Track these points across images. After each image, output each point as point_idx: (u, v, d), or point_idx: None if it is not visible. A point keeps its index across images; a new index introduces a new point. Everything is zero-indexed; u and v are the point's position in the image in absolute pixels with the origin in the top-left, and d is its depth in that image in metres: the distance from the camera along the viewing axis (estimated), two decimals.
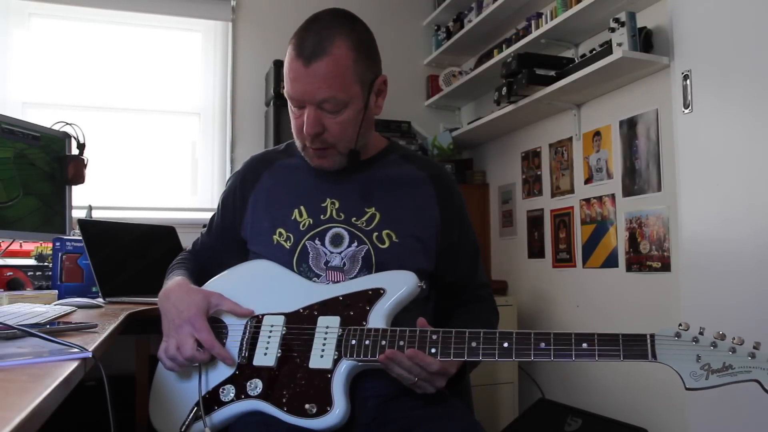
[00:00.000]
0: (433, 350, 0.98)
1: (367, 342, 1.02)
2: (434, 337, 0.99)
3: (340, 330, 1.05)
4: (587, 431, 2.22)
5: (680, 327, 0.89)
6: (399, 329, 1.02)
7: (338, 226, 1.17)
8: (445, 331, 0.99)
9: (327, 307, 1.09)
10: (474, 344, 0.97)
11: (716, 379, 0.85)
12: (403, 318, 1.07)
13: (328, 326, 1.07)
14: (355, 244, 1.16)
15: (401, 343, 1.00)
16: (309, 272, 1.16)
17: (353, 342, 1.03)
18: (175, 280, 1.21)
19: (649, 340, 0.89)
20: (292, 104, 1.14)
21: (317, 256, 1.16)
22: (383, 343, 1.01)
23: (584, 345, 0.92)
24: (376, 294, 1.07)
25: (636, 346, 0.90)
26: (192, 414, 1.08)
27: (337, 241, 1.16)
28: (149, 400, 1.20)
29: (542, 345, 0.93)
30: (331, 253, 1.15)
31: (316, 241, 1.17)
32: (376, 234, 1.16)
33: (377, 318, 1.05)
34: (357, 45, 1.10)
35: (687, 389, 0.87)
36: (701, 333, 0.88)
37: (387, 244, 1.16)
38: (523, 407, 2.65)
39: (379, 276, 1.12)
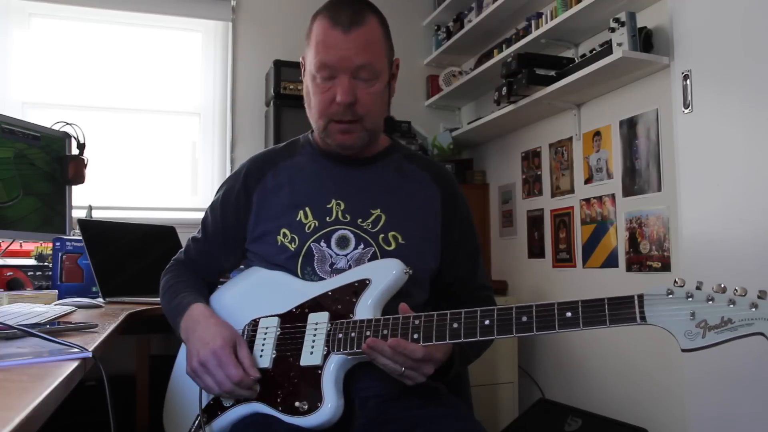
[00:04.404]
0: (415, 336, 0.97)
1: (353, 334, 1.02)
2: (416, 322, 0.98)
3: (329, 325, 1.05)
4: (587, 431, 2.22)
5: (675, 284, 0.81)
6: (383, 318, 1.01)
7: (344, 228, 1.16)
8: (427, 315, 0.98)
9: (317, 303, 1.09)
10: (455, 325, 0.95)
11: (714, 336, 0.77)
12: None
13: (318, 322, 1.07)
14: (362, 246, 1.15)
15: (385, 331, 0.99)
16: (313, 275, 1.15)
17: (340, 336, 1.03)
18: (200, 310, 1.14)
19: (636, 302, 0.83)
20: (323, 74, 1.12)
21: (322, 258, 1.15)
22: (368, 333, 1.00)
23: (568, 314, 0.87)
24: (362, 285, 1.07)
25: (623, 309, 0.84)
26: (196, 422, 1.09)
27: (343, 243, 1.16)
28: (164, 406, 1.23)
29: (524, 319, 0.90)
30: (337, 255, 1.15)
31: (322, 243, 1.16)
32: (382, 236, 1.16)
33: (364, 309, 1.04)
34: (382, 23, 1.16)
35: (683, 351, 0.79)
36: (698, 288, 0.80)
37: (393, 246, 1.16)
38: (523, 407, 2.65)
39: (365, 267, 1.11)
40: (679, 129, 2.01)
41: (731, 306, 0.76)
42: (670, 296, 0.81)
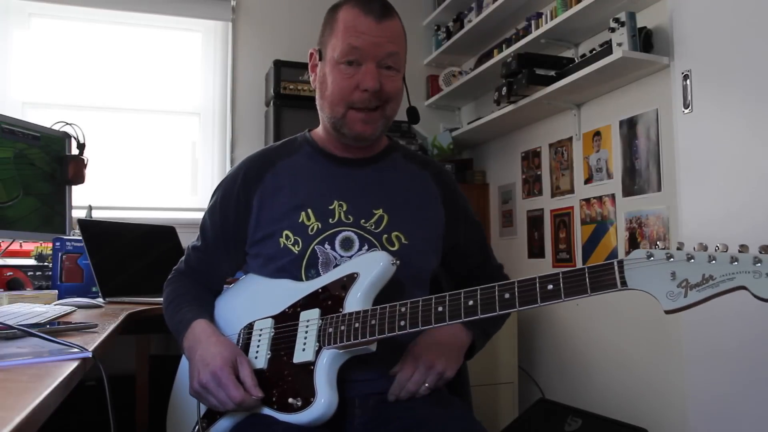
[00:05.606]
0: (402, 323, 0.97)
1: (342, 327, 1.02)
2: (403, 309, 0.98)
3: (320, 321, 1.06)
4: (587, 431, 2.22)
5: (656, 247, 0.80)
6: (371, 309, 1.01)
7: (348, 230, 1.16)
8: (413, 301, 0.98)
9: (309, 301, 1.10)
10: (440, 309, 0.95)
11: (696, 294, 0.75)
12: None
13: (309, 319, 1.07)
14: (366, 247, 1.15)
15: (373, 322, 0.99)
16: (317, 278, 1.14)
17: (330, 330, 1.03)
18: (202, 328, 1.13)
19: (616, 267, 0.82)
20: (349, 59, 1.12)
21: (327, 260, 1.14)
22: (356, 325, 1.01)
23: (550, 287, 0.87)
24: (351, 279, 1.07)
25: (603, 276, 0.83)
26: (196, 428, 1.10)
27: (347, 245, 1.15)
28: (167, 410, 1.23)
29: (506, 296, 0.90)
30: (342, 257, 1.14)
31: (326, 246, 1.15)
32: (385, 236, 1.16)
33: (353, 302, 1.04)
34: (401, 23, 1.20)
35: (666, 312, 0.78)
36: (679, 248, 0.78)
37: (397, 247, 1.16)
38: (523, 407, 2.65)
39: (353, 261, 1.11)
40: (679, 129, 2.01)
41: (712, 262, 0.75)
42: (651, 259, 0.79)
